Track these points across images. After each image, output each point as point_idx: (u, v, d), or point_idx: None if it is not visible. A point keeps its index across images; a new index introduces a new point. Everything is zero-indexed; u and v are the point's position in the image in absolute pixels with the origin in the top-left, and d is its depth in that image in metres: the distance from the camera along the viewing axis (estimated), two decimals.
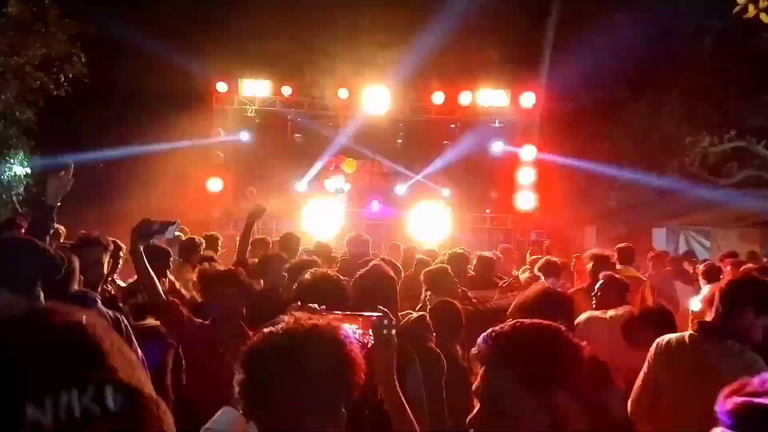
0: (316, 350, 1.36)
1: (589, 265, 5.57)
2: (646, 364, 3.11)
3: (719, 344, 2.84)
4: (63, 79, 12.02)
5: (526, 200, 16.38)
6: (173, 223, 3.45)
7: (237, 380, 1.39)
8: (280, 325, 1.43)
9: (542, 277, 5.73)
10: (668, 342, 3.04)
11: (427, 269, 5.04)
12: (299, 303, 2.39)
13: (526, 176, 16.46)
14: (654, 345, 3.10)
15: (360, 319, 1.82)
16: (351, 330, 1.78)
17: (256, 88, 15.93)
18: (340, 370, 1.38)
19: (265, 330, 1.44)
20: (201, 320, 3.49)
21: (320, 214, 13.68)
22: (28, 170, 12.38)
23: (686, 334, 3.02)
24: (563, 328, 1.39)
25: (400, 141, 17.12)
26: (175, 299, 3.49)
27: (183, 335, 3.30)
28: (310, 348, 1.36)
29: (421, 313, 3.34)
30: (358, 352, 1.44)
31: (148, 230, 3.29)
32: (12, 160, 12.18)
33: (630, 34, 17.08)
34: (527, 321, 1.39)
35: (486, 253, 7.17)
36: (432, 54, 16.81)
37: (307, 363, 1.34)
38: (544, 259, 6.32)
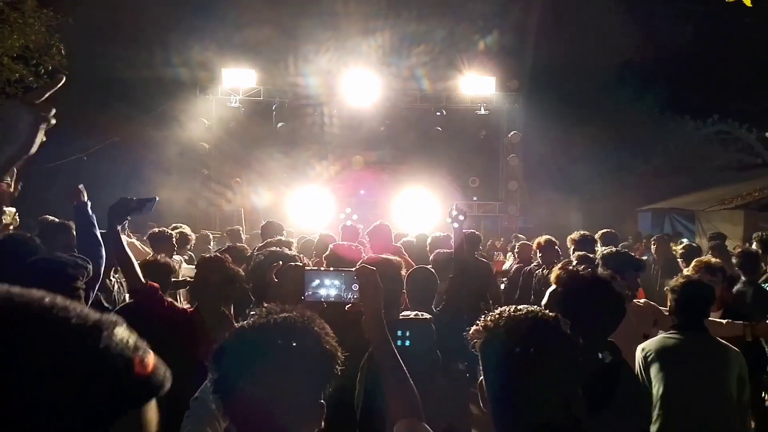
0: (289, 345, 1.32)
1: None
2: None
3: None
4: (42, 70, 11.82)
5: (511, 186, 16.46)
6: (151, 200, 3.34)
7: (210, 379, 1.36)
8: (251, 319, 1.40)
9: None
10: None
11: (437, 253, 5.05)
12: (280, 263, 2.36)
13: (511, 163, 16.52)
14: None
15: (343, 273, 1.83)
16: (348, 284, 1.78)
17: (239, 78, 15.79)
18: (315, 364, 1.35)
19: (236, 325, 1.41)
20: (185, 306, 3.47)
21: (306, 204, 13.65)
22: None
23: None
24: None
25: (383, 129, 17.04)
26: (154, 283, 3.41)
27: (162, 319, 3.23)
28: (283, 342, 1.32)
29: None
30: (334, 342, 1.41)
31: (124, 208, 3.15)
32: None
33: (613, 19, 17.11)
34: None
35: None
36: (418, 41, 16.75)
37: (279, 358, 1.31)
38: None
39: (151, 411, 0.63)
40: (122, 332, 0.59)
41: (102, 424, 0.54)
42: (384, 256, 3.22)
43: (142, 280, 3.25)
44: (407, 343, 1.76)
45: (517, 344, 1.39)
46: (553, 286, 2.92)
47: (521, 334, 1.41)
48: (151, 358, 0.61)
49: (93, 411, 0.53)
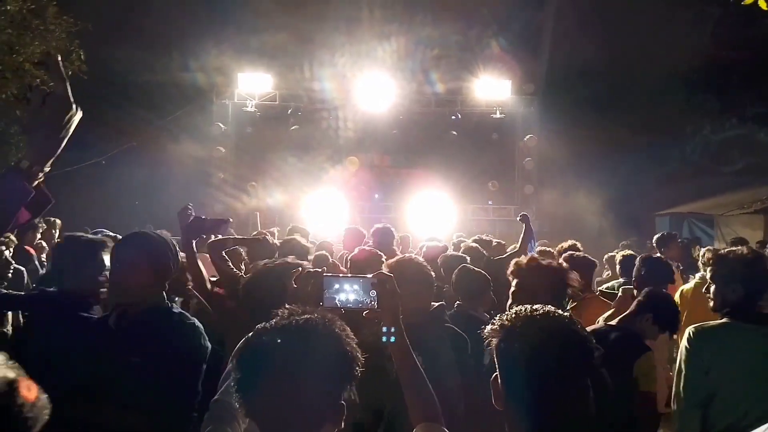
0: (310, 346, 1.35)
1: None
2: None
3: None
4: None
5: (527, 191, 16.39)
6: (225, 222, 3.63)
7: (233, 378, 1.39)
8: (273, 321, 1.43)
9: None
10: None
11: (444, 256, 5.06)
12: (299, 269, 2.40)
13: (527, 167, 16.45)
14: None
15: (361, 279, 1.85)
16: (366, 290, 1.81)
17: (254, 82, 15.91)
18: (335, 365, 1.37)
19: (258, 326, 1.43)
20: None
21: (320, 208, 13.69)
22: None
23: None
24: None
25: (395, 132, 17.03)
26: (218, 290, 3.55)
27: (224, 323, 3.33)
28: (304, 344, 1.35)
29: (440, 303, 3.34)
30: (353, 344, 1.43)
31: (199, 228, 3.46)
32: (13, 159, 12.19)
33: (629, 23, 17.00)
34: None
35: (484, 236, 7.26)
36: (432, 45, 16.76)
37: (301, 359, 1.33)
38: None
39: None
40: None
41: None
42: (408, 255, 3.23)
43: (209, 288, 3.48)
44: (392, 339, 1.78)
45: (535, 343, 1.42)
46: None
47: (539, 334, 1.44)
48: (29, 387, 0.67)
49: None
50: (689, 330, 2.92)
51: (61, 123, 1.46)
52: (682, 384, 2.88)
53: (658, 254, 6.17)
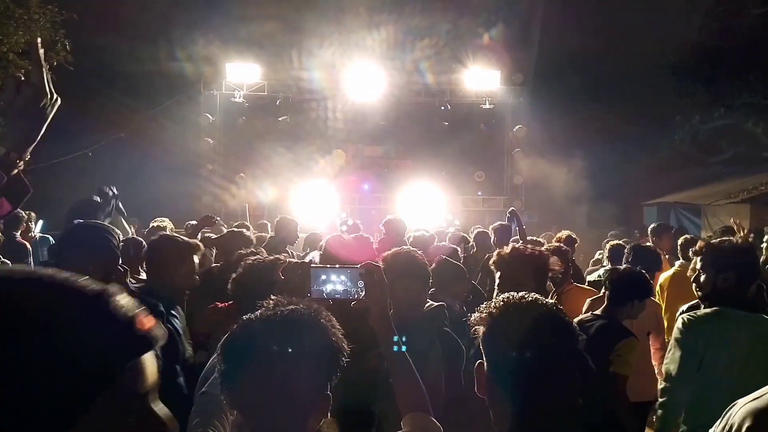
0: (296, 336, 1.34)
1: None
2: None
3: None
4: (47, 66, 11.80)
5: (516, 181, 16.44)
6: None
7: (218, 370, 1.38)
8: (258, 312, 1.41)
9: None
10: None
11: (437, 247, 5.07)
12: (287, 261, 2.39)
13: (516, 157, 16.48)
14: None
15: (349, 270, 1.83)
16: (354, 281, 1.79)
17: (243, 72, 15.77)
18: (321, 355, 1.36)
19: (244, 317, 1.42)
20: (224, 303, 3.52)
21: (310, 199, 13.66)
22: None
23: None
24: None
25: (383, 123, 16.98)
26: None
27: (207, 324, 3.33)
28: (289, 334, 1.34)
29: (440, 303, 3.30)
30: (339, 334, 1.41)
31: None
32: None
33: (618, 12, 17.02)
34: None
35: (482, 228, 7.31)
36: (422, 35, 16.70)
37: (286, 350, 1.32)
38: None
39: (151, 362, 0.78)
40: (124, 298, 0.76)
41: (113, 370, 0.71)
42: (406, 248, 3.20)
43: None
44: (403, 348, 1.78)
45: (523, 331, 1.41)
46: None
47: (527, 321, 1.43)
48: (148, 319, 0.78)
49: (104, 360, 0.70)
50: (683, 318, 2.96)
51: (36, 110, 1.42)
52: (675, 366, 2.88)
53: (650, 243, 6.28)
